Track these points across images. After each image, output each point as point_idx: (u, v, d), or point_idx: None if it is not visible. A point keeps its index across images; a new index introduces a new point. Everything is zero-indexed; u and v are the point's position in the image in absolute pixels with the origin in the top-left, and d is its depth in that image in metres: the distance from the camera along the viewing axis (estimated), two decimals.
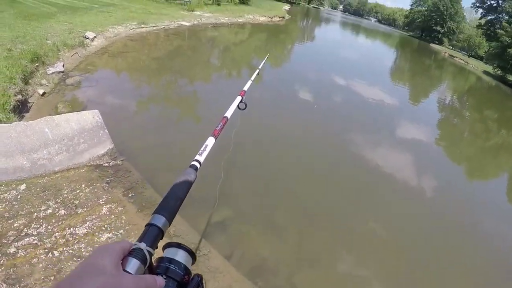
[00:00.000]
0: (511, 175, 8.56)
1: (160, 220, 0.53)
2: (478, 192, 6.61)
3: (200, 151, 0.87)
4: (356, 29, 50.82)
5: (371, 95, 11.28)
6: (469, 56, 44.36)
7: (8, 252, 2.42)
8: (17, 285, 2.25)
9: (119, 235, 2.82)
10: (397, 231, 4.33)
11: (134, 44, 9.98)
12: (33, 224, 2.68)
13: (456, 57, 41.64)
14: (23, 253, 2.44)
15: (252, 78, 1.96)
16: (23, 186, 2.99)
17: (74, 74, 6.26)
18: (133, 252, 0.45)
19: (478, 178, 7.68)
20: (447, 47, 53.37)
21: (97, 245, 2.68)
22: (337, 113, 8.65)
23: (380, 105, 10.52)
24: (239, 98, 1.43)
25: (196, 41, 13.49)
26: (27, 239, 2.55)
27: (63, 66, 5.98)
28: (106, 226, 2.87)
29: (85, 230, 2.77)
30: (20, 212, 2.75)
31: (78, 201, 3.05)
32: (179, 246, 0.58)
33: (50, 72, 5.50)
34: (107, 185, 3.40)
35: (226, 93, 7.73)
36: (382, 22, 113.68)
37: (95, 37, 8.81)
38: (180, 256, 0.56)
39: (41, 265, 2.40)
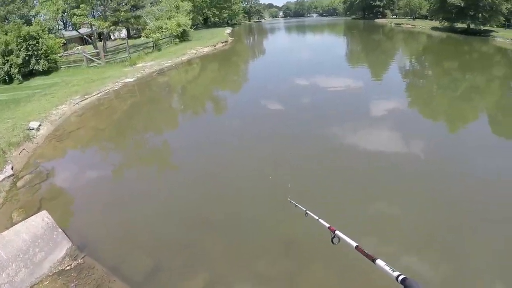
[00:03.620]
0: (489, 110, 8.68)
1: None
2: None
3: None
4: (301, 29, 51.80)
5: (336, 84, 11.21)
6: (414, 19, 45.54)
7: None
8: None
9: None
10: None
11: (81, 119, 9.52)
12: None
13: (402, 24, 42.74)
14: None
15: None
16: None
17: (24, 173, 5.77)
18: None
19: (462, 123, 7.68)
20: (391, 18, 54.91)
21: None
22: (311, 113, 8.35)
23: (348, 92, 10.42)
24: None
25: (150, 92, 13.15)
26: None
27: (12, 168, 5.55)
28: None
29: None
30: None
31: None
32: None
33: (0, 179, 5.07)
34: None
35: (192, 135, 7.38)
36: (324, 14, 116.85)
37: (40, 125, 8.33)
38: None
39: None
